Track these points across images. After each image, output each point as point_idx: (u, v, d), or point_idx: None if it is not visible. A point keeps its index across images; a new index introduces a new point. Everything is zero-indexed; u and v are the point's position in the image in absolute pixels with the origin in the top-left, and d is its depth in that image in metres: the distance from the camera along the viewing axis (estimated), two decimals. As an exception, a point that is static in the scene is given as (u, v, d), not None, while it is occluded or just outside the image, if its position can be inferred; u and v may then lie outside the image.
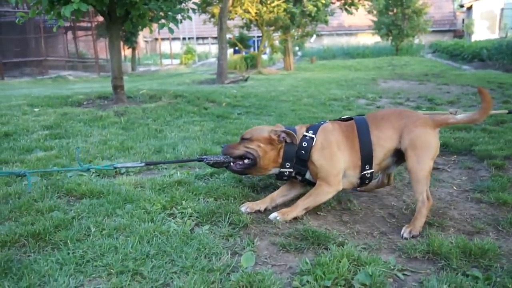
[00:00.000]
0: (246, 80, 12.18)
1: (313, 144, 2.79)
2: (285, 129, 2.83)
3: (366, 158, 2.79)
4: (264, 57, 23.89)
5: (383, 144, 2.80)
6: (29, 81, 17.31)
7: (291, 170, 2.85)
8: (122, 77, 6.93)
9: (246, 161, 2.87)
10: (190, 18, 7.10)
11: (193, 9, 7.89)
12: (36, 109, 6.15)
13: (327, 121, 2.98)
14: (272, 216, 2.71)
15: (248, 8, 16.81)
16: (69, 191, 3.12)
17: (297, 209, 2.73)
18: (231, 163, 2.90)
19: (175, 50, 31.47)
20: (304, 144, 2.80)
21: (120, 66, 6.97)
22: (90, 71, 21.77)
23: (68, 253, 2.25)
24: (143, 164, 3.16)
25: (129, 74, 20.18)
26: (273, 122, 5.62)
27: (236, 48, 22.38)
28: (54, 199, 2.99)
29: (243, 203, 2.91)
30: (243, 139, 2.91)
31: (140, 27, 7.23)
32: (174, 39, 30.76)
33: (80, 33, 24.51)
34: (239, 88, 9.35)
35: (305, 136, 2.83)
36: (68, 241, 2.37)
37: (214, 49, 32.52)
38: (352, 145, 2.81)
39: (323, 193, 2.76)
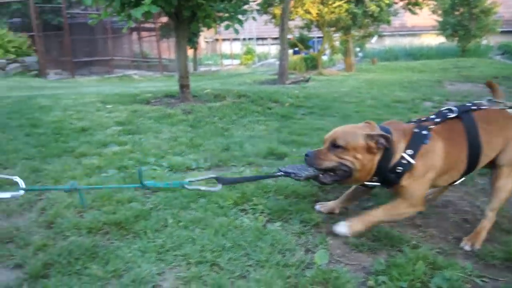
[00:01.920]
0: (307, 81, 12.17)
1: (409, 169, 2.33)
2: (382, 133, 2.32)
3: (469, 168, 2.48)
4: (324, 58, 23.72)
5: (488, 153, 2.47)
6: (97, 79, 18.13)
7: (378, 184, 2.47)
8: (188, 76, 7.14)
9: (339, 173, 2.39)
10: (254, 19, 7.21)
11: (258, 10, 7.99)
12: (108, 106, 6.46)
13: (429, 129, 2.39)
14: (339, 227, 2.38)
15: (309, 9, 16.76)
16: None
17: (367, 221, 2.39)
18: (320, 175, 2.41)
19: (235, 50, 31.92)
20: (399, 169, 2.33)
21: (186, 66, 7.18)
22: (153, 70, 22.49)
23: (149, 242, 2.38)
24: (217, 182, 2.53)
25: (191, 74, 20.50)
26: (337, 123, 5.58)
27: (296, 48, 22.36)
28: (132, 190, 3.15)
29: (314, 202, 2.93)
30: (334, 146, 2.38)
31: (206, 28, 7.40)
32: (234, 39, 31.18)
33: (144, 33, 25.38)
34: (301, 89, 9.37)
35: (402, 158, 2.33)
36: (148, 231, 2.50)
37: (273, 49, 32.67)
38: (456, 158, 2.43)
39: (402, 212, 2.42)
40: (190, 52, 25.19)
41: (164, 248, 2.31)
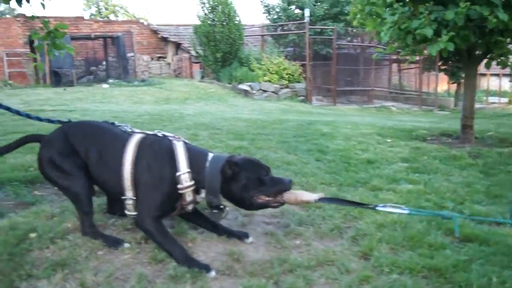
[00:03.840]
0: None
1: None
2: None
3: None
4: None
5: None
6: (356, 108, 18.72)
7: None
8: (473, 117, 6.75)
9: None
10: None
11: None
12: (388, 140, 6.57)
13: None
14: None
15: None
16: (451, 231, 3.16)
17: None
18: None
19: (503, 87, 28.90)
20: None
21: (473, 105, 6.81)
22: (410, 104, 22.11)
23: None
24: None
25: (451, 109, 19.59)
26: None
27: None
28: (442, 237, 3.08)
29: None
30: None
31: (500, 66, 6.90)
32: (504, 75, 28.29)
33: (403, 65, 25.24)
34: None
35: None
36: (473, 286, 2.39)
37: (551, 88, 28.40)
38: None
39: None
40: (452, 86, 23.96)
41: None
